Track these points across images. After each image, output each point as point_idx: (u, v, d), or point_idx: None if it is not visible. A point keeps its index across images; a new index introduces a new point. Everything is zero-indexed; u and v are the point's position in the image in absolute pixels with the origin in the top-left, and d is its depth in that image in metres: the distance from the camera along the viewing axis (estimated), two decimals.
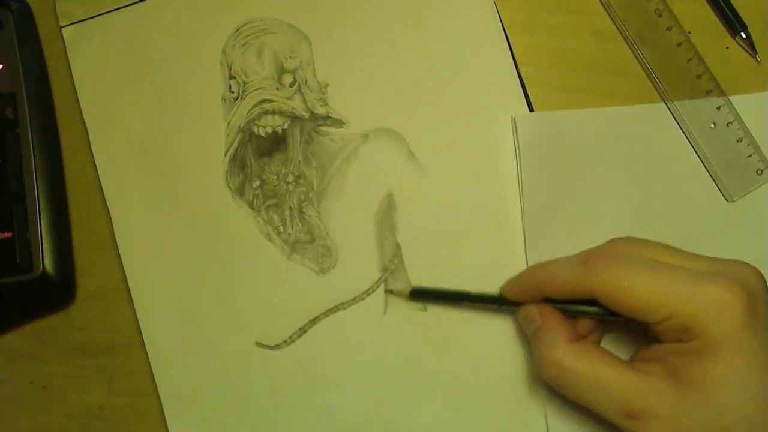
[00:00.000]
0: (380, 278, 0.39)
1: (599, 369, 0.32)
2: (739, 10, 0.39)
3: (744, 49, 0.39)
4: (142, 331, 0.40)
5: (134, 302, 0.40)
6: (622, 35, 0.40)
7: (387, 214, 0.40)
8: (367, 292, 0.39)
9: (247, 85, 0.41)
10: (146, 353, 0.40)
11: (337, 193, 0.40)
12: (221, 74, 0.41)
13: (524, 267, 0.38)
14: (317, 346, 0.39)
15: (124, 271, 0.40)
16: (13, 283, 0.39)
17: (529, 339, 0.36)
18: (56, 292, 0.40)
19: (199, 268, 0.40)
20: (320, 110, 0.41)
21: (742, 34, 0.39)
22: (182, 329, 0.40)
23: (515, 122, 0.39)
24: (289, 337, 0.39)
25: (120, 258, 0.40)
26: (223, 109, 0.41)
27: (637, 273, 0.31)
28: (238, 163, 0.41)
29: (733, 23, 0.39)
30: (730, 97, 0.38)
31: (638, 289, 0.31)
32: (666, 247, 0.33)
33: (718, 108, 0.38)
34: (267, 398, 0.39)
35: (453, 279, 0.39)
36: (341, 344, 0.39)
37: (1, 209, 0.39)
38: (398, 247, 0.39)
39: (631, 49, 0.40)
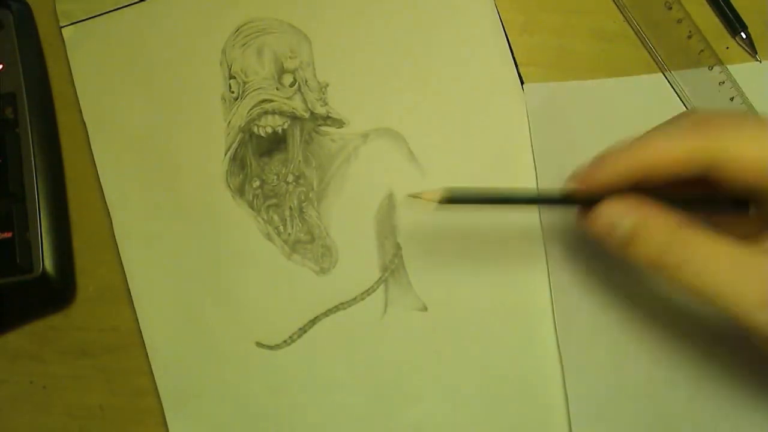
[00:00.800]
0: (380, 278, 0.39)
1: (736, 253, 0.26)
2: (739, 10, 0.39)
3: (744, 49, 0.39)
4: (142, 331, 0.40)
5: (134, 302, 0.40)
6: (632, 29, 0.40)
7: (387, 214, 0.40)
8: (368, 292, 0.39)
9: (247, 85, 0.41)
10: (146, 353, 0.40)
11: (337, 193, 0.40)
12: (221, 74, 0.41)
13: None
14: (317, 346, 0.39)
15: (124, 271, 0.40)
16: (13, 283, 0.39)
17: (615, 247, 0.28)
18: (56, 292, 0.40)
19: (199, 268, 0.40)
20: (320, 110, 0.41)
21: (742, 34, 0.39)
22: (182, 329, 0.40)
23: (525, 92, 0.40)
24: (290, 337, 0.39)
25: (120, 258, 0.40)
26: (223, 109, 0.41)
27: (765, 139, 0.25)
28: (238, 163, 0.41)
29: (733, 23, 0.39)
30: (731, 66, 0.38)
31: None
32: None
33: (732, 99, 0.38)
34: (267, 398, 0.39)
35: (454, 279, 0.39)
36: (341, 344, 0.39)
37: (1, 209, 0.39)
38: (398, 247, 0.39)
39: (640, 39, 0.40)
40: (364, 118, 0.40)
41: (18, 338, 0.40)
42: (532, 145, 0.39)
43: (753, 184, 0.26)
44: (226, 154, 0.41)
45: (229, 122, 0.41)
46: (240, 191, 0.41)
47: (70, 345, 0.40)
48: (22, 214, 0.39)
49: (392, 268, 0.39)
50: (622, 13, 0.40)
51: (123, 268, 0.40)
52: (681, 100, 0.39)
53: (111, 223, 0.41)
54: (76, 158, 0.42)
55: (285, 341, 0.39)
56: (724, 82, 0.38)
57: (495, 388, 0.38)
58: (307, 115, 0.41)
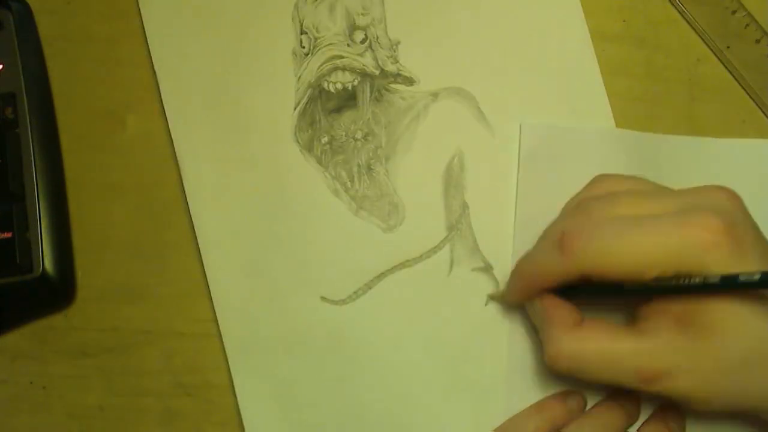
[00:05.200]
0: (446, 237, 0.39)
1: (606, 346, 0.31)
2: None
3: None
4: (209, 282, 0.40)
5: (201, 253, 0.40)
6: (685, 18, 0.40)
7: (455, 173, 0.40)
8: (433, 251, 0.39)
9: (318, 41, 0.41)
10: (146, 352, 0.40)
11: (406, 151, 0.40)
12: (293, 29, 0.42)
13: None
14: (382, 302, 0.39)
15: (124, 271, 0.40)
16: (13, 283, 0.38)
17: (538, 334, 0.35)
18: (56, 292, 0.40)
19: (266, 222, 0.40)
20: (390, 68, 0.41)
21: None
22: (248, 281, 0.40)
23: (521, 129, 0.39)
24: (354, 292, 0.39)
25: (119, 257, 0.40)
26: (294, 65, 0.41)
27: (615, 242, 0.31)
28: (307, 118, 0.41)
29: None
30: None
31: (622, 257, 0.30)
32: (636, 194, 0.33)
33: None
34: (329, 353, 0.39)
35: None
36: (405, 302, 0.39)
37: (1, 209, 0.39)
38: (465, 206, 0.39)
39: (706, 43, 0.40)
40: (435, 77, 0.41)
41: (18, 338, 0.40)
42: (517, 184, 0.39)
43: (617, 280, 0.31)
44: (295, 110, 0.41)
45: (300, 77, 0.41)
46: (308, 147, 0.41)
47: (70, 345, 0.40)
48: (22, 214, 0.39)
49: (459, 227, 0.39)
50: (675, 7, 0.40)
51: (123, 268, 0.40)
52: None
53: (110, 220, 0.41)
54: (76, 158, 0.42)
55: (350, 296, 0.39)
56: None
57: None
58: (377, 72, 0.41)
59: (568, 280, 0.33)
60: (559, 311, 0.34)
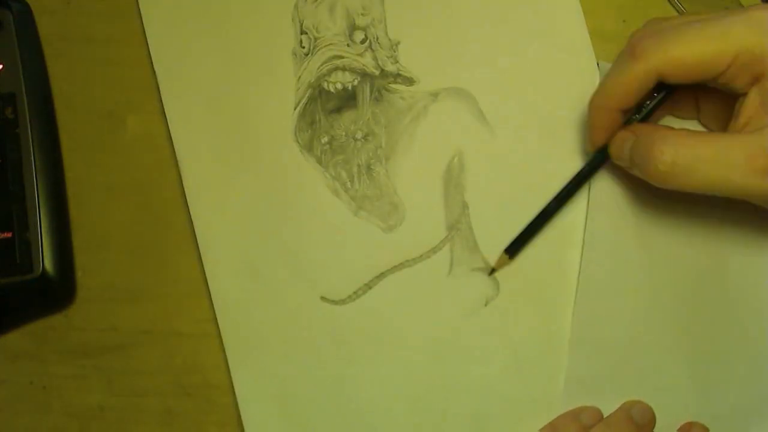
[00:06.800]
0: (447, 237, 0.39)
1: (713, 141, 0.32)
2: None
3: None
4: (208, 282, 0.40)
5: (201, 254, 0.40)
6: None
7: (455, 173, 0.40)
8: (434, 251, 0.39)
9: (318, 41, 0.41)
10: (146, 352, 0.40)
11: (406, 151, 0.40)
12: (293, 29, 0.42)
13: None
14: (382, 302, 0.39)
15: (124, 271, 0.40)
16: (13, 283, 0.39)
17: (629, 164, 0.35)
18: (56, 292, 0.40)
19: (266, 222, 0.40)
20: (390, 68, 0.41)
21: None
22: (248, 282, 0.40)
23: (599, 68, 0.40)
24: (354, 292, 0.39)
25: (119, 257, 0.41)
26: (294, 65, 0.41)
27: (685, 36, 0.32)
28: (307, 119, 0.41)
29: None
30: None
31: (695, 46, 0.32)
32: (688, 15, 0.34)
33: None
34: (330, 352, 0.39)
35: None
36: (406, 301, 0.39)
37: (1, 209, 0.39)
38: (465, 206, 0.40)
39: None
40: (435, 77, 0.41)
41: (18, 338, 0.40)
42: None
43: (691, 77, 0.32)
44: (295, 110, 0.41)
45: (299, 78, 0.41)
46: (308, 147, 0.41)
47: (70, 345, 0.40)
48: (22, 214, 0.39)
49: (459, 227, 0.39)
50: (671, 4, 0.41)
51: (123, 268, 0.40)
52: None
53: (110, 220, 0.41)
54: (76, 158, 0.42)
55: (350, 296, 0.39)
56: None
57: (556, 348, 0.38)
58: (377, 72, 0.41)
59: (643, 88, 0.33)
60: (657, 129, 0.34)
